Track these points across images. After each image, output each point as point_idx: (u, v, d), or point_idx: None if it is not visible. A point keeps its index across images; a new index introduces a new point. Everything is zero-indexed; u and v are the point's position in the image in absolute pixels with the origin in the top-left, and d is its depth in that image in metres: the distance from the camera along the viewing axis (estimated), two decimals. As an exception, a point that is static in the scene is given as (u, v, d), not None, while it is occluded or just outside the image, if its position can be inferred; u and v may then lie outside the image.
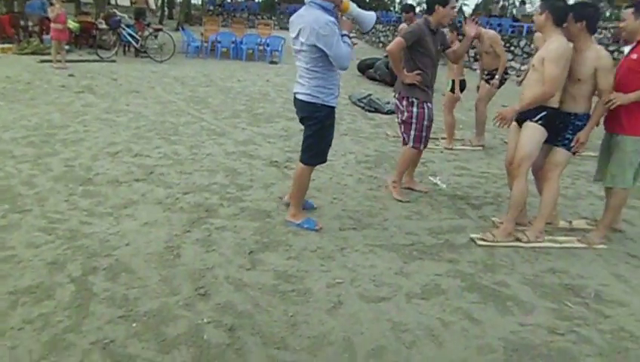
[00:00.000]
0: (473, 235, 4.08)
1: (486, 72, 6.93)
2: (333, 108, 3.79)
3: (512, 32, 18.74)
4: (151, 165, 5.19)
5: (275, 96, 9.72)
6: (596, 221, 4.49)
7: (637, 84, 3.82)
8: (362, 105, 9.07)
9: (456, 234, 4.13)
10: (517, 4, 25.76)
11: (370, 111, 8.85)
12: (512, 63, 17.01)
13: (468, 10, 37.94)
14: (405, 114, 4.67)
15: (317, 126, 3.78)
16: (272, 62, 15.08)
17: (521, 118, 3.98)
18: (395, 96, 4.84)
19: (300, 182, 3.99)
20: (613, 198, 4.15)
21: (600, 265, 3.83)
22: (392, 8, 36.43)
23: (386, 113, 8.71)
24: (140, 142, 5.97)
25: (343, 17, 3.74)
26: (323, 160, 3.99)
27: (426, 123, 4.66)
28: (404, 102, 4.67)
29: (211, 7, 34.23)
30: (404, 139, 4.80)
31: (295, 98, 3.84)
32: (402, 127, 4.77)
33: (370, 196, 4.82)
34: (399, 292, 3.18)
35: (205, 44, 15.81)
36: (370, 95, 9.44)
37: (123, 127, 6.64)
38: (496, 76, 6.66)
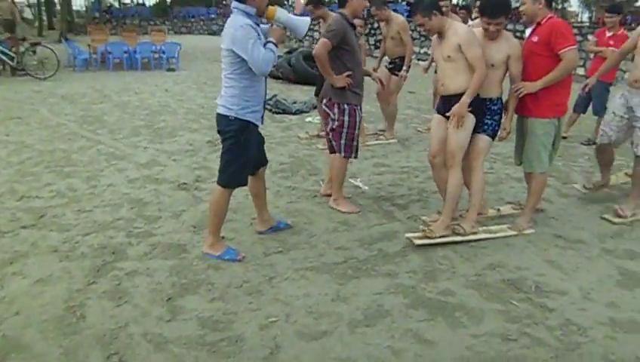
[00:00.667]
0: (410, 235, 3.89)
1: (388, 61, 6.78)
2: (248, 123, 3.42)
3: (408, 16, 19.02)
4: (41, 207, 4.52)
5: (176, 107, 9.12)
6: (521, 205, 4.48)
7: (540, 67, 3.85)
8: (269, 107, 8.71)
9: (388, 241, 3.91)
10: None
11: (277, 113, 8.52)
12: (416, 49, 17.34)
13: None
14: (336, 122, 4.35)
15: (230, 141, 3.43)
16: (169, 70, 14.32)
17: (446, 108, 3.88)
18: (324, 103, 4.49)
19: (216, 207, 3.57)
20: (534, 183, 4.16)
21: (533, 253, 3.80)
22: None
23: (294, 113, 8.42)
24: (26, 180, 5.22)
25: (274, 25, 3.46)
26: (242, 182, 3.59)
27: (356, 131, 4.39)
28: (336, 110, 4.33)
29: (96, 14, 32.06)
30: (332, 147, 4.50)
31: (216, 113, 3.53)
32: (331, 134, 4.44)
33: (292, 210, 4.50)
34: (340, 323, 2.89)
35: (94, 56, 14.72)
36: (275, 95, 9.11)
37: (2, 163, 5.80)
38: (404, 67, 6.54)
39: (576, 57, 3.81)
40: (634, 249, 3.88)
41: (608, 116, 4.64)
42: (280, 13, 3.39)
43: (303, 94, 10.33)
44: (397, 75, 6.65)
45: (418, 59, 15.93)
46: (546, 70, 3.81)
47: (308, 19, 3.51)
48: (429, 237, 3.85)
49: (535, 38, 3.88)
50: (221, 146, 3.52)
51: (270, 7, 3.38)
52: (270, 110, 8.60)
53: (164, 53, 14.89)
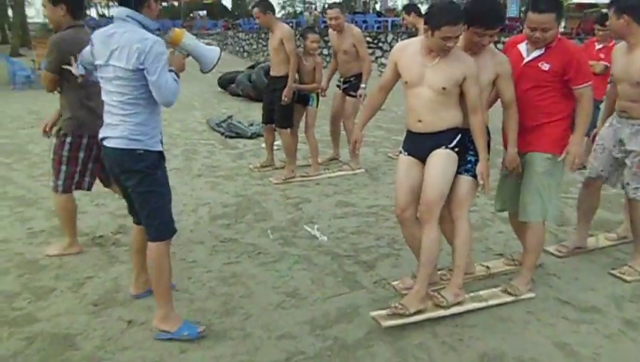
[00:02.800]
0: (374, 313, 2.96)
1: (342, 80, 5.90)
2: (160, 154, 2.78)
3: (378, 27, 18.43)
4: None
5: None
6: (515, 260, 3.62)
7: (549, 103, 3.14)
8: (222, 130, 7.74)
9: (348, 322, 2.97)
10: (379, -2, 25.82)
11: (231, 137, 7.54)
12: (383, 60, 16.62)
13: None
14: None
15: (147, 182, 2.71)
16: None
17: (423, 147, 3.03)
18: None
19: (158, 267, 2.79)
20: (530, 235, 3.30)
21: (537, 331, 2.94)
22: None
23: (250, 137, 7.46)
24: None
25: (175, 52, 2.80)
26: (174, 228, 2.89)
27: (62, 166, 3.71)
28: None
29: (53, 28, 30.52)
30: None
31: (105, 148, 2.75)
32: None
33: (228, 276, 3.52)
34: None
35: (39, 72, 13.52)
36: (230, 117, 8.16)
37: None
38: (362, 85, 5.65)
39: (592, 94, 3.15)
40: (661, 320, 3.02)
41: (597, 147, 3.78)
42: (188, 38, 2.80)
43: (264, 114, 9.39)
44: (353, 96, 5.75)
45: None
46: (558, 107, 3.13)
47: (217, 50, 2.93)
48: (400, 315, 2.92)
49: (545, 66, 3.07)
50: (131, 192, 2.75)
51: (177, 29, 2.82)
52: (223, 134, 7.62)
53: (115, 68, 13.80)
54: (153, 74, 2.55)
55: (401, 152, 3.18)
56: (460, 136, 3.00)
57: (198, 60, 2.84)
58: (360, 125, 3.35)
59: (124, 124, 2.66)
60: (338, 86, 5.96)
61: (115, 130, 2.67)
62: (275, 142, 5.99)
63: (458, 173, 3.05)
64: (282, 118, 5.42)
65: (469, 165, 3.06)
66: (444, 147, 2.97)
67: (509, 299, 3.22)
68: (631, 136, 3.50)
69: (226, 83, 11.94)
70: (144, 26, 2.65)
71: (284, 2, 46.99)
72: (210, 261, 3.73)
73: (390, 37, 16.19)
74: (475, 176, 3.05)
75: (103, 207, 4.83)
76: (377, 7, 23.64)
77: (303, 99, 5.54)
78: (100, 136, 2.77)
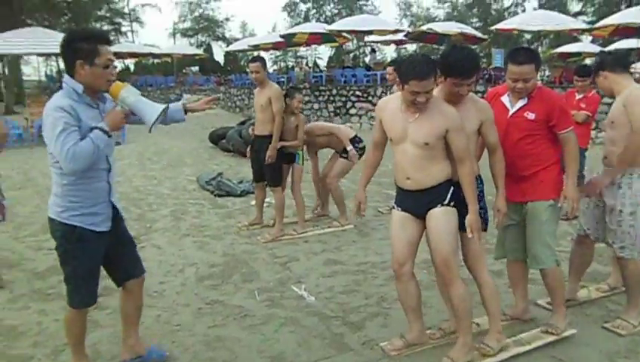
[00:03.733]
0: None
1: None
2: (75, 228, 2.67)
3: (367, 81, 18.76)
4: None
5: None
6: (505, 313, 3.58)
7: (537, 151, 3.18)
8: (211, 188, 7.73)
9: (335, 388, 2.87)
10: (367, 52, 26.39)
11: (220, 195, 7.51)
12: (373, 114, 16.85)
13: (322, 62, 38.59)
14: None
15: (60, 251, 2.75)
16: (115, 144, 13.24)
17: (417, 204, 2.99)
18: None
19: (66, 330, 2.91)
20: (550, 280, 3.34)
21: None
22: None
23: (240, 195, 7.44)
24: None
25: (117, 106, 2.74)
26: (86, 301, 2.85)
27: None
28: None
29: (50, 85, 30.81)
30: None
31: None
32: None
33: (212, 339, 3.42)
34: None
35: (32, 130, 13.62)
36: (220, 174, 8.16)
37: None
38: (349, 147, 5.69)
39: (576, 139, 3.22)
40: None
41: (582, 202, 3.69)
42: (127, 92, 2.68)
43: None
44: (344, 157, 5.79)
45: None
46: (549, 152, 3.19)
47: (160, 107, 2.77)
48: None
49: (531, 115, 3.14)
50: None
51: (117, 82, 2.70)
52: (212, 193, 7.60)
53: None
54: (49, 141, 2.52)
55: (394, 207, 3.14)
56: (452, 189, 2.95)
57: (138, 114, 2.72)
58: (362, 185, 3.35)
59: (52, 196, 2.72)
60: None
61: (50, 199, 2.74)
62: (265, 200, 5.98)
63: (463, 230, 2.98)
64: (273, 177, 5.44)
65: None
66: (439, 205, 2.92)
67: (552, 338, 3.28)
68: (609, 187, 3.45)
69: (217, 138, 12.01)
70: (72, 91, 2.61)
71: (275, 57, 48.01)
72: (195, 324, 3.63)
73: (380, 90, 16.48)
74: (484, 230, 3.07)
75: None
76: (367, 60, 24.14)
77: (288, 157, 5.56)
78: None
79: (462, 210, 2.95)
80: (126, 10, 42.95)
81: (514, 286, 3.59)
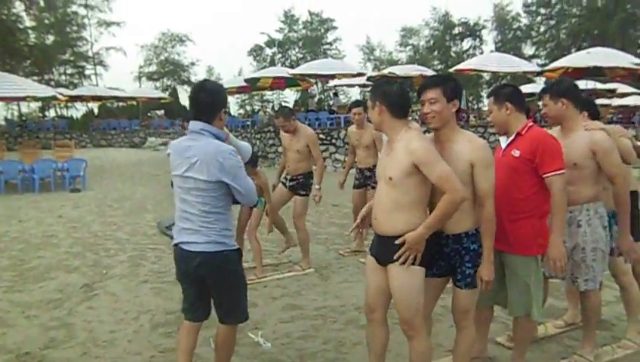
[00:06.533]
0: None
1: (289, 177, 5.82)
2: (238, 250, 3.06)
3: (331, 124, 19.02)
4: None
5: (64, 237, 7.79)
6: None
7: (523, 188, 3.06)
8: (171, 234, 7.53)
9: None
10: (332, 95, 26.81)
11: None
12: (336, 155, 17.06)
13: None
14: None
15: (234, 276, 3.03)
16: (73, 191, 12.96)
17: (381, 253, 2.84)
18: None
19: (228, 348, 3.18)
20: (519, 329, 3.33)
21: None
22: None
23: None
24: None
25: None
26: (247, 311, 3.22)
27: None
28: None
29: (9, 129, 29.85)
30: None
31: (184, 251, 2.93)
32: None
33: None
34: None
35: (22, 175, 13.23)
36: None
37: None
38: (316, 186, 5.71)
39: (564, 184, 3.05)
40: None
41: None
42: (231, 136, 3.19)
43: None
44: (303, 195, 5.79)
45: (343, 167, 15.52)
46: (531, 193, 3.06)
47: (249, 146, 3.37)
48: None
49: (516, 153, 3.09)
50: (213, 286, 3.01)
51: (225, 129, 3.13)
52: (172, 238, 7.42)
53: (67, 171, 13.61)
54: (238, 182, 2.87)
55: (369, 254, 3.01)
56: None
57: (240, 153, 3.05)
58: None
59: (207, 230, 2.87)
60: (283, 183, 5.90)
61: (198, 236, 2.88)
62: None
63: (456, 286, 2.90)
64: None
65: (468, 279, 2.85)
66: (399, 263, 2.71)
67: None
68: (566, 226, 3.36)
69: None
70: (217, 137, 2.92)
71: (242, 101, 48.37)
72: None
73: (343, 133, 16.71)
74: (475, 286, 2.87)
75: (35, 319, 4.53)
76: (331, 103, 24.53)
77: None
78: (178, 240, 2.97)
79: (458, 265, 2.85)
80: (90, 54, 42.80)
81: (477, 326, 3.45)
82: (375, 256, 2.90)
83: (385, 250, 2.79)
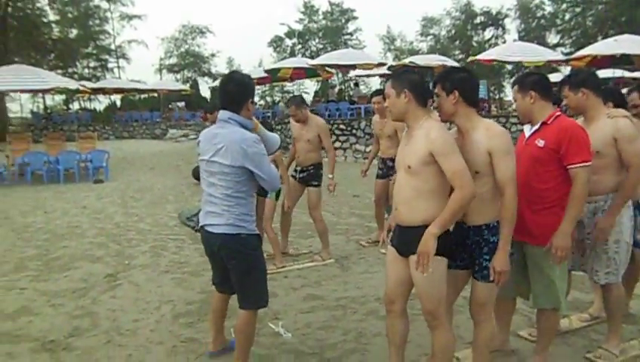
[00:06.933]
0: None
1: (299, 169, 5.83)
2: (257, 236, 3.24)
3: (352, 114, 18.94)
4: None
5: (87, 228, 7.91)
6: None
7: (545, 179, 3.00)
8: (192, 224, 7.63)
9: None
10: (352, 86, 26.71)
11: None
12: (357, 146, 16.99)
13: (308, 97, 38.93)
14: None
15: (251, 259, 3.15)
16: (96, 182, 13.15)
17: (402, 244, 2.83)
18: None
19: (247, 334, 3.25)
20: (543, 320, 3.25)
21: None
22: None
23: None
24: None
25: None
26: (267, 298, 3.32)
27: None
28: None
29: (35, 122, 30.56)
30: None
31: (208, 232, 3.16)
32: None
33: (183, 381, 3.33)
34: None
35: (12, 168, 13.50)
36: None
37: None
38: (330, 175, 5.70)
39: (588, 177, 2.96)
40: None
41: None
42: (260, 127, 3.32)
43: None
44: (315, 186, 5.76)
45: (364, 158, 15.44)
46: (554, 183, 3.00)
47: (278, 137, 3.49)
48: None
49: (540, 143, 3.01)
50: (232, 269, 3.18)
51: (255, 120, 3.29)
52: (194, 228, 7.51)
53: (91, 162, 13.81)
54: (261, 169, 3.03)
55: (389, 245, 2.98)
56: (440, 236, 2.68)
57: (266, 144, 3.22)
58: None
59: (228, 213, 3.04)
60: (293, 176, 5.86)
61: (219, 218, 3.06)
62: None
63: (474, 278, 2.89)
64: None
65: (485, 271, 2.80)
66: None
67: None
68: (590, 216, 3.36)
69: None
70: (243, 126, 3.09)
71: (262, 92, 48.43)
72: (166, 363, 3.53)
73: (363, 123, 16.62)
74: (493, 280, 2.80)
75: (60, 307, 4.61)
76: (351, 93, 24.41)
77: (262, 189, 5.48)
78: (202, 222, 3.18)
79: (477, 257, 2.84)
80: (112, 47, 43.24)
81: (498, 318, 3.44)
82: (396, 246, 2.88)
83: (406, 240, 2.77)
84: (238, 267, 3.14)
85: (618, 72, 16.89)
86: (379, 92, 6.28)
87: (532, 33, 39.30)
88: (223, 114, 3.11)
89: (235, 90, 3.13)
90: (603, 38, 23.36)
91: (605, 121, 3.28)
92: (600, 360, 3.43)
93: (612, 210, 3.26)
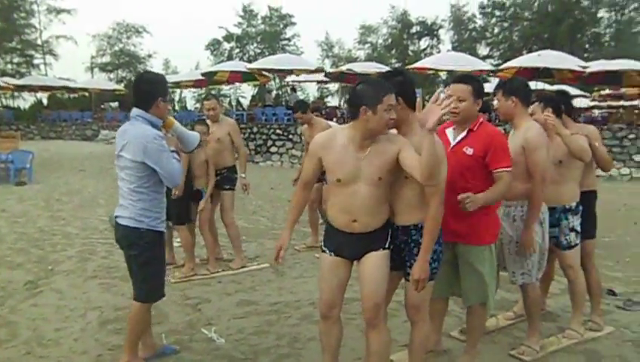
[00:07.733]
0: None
1: (216, 171, 5.61)
2: (161, 233, 3.36)
3: (288, 120, 18.92)
4: None
5: (6, 233, 7.43)
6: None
7: (473, 185, 3.07)
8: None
9: None
10: (289, 91, 26.66)
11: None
12: (293, 151, 17.03)
13: (245, 101, 38.55)
14: None
15: (147, 254, 3.28)
16: (18, 184, 12.42)
17: (355, 247, 2.85)
18: None
19: (135, 322, 3.34)
20: (473, 317, 3.36)
21: None
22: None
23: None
24: None
25: (168, 134, 3.46)
26: (162, 294, 3.44)
27: None
28: None
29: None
30: None
31: (117, 223, 3.32)
32: None
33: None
34: None
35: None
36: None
37: None
38: (242, 175, 5.68)
39: (510, 180, 3.13)
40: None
41: None
42: (176, 124, 3.44)
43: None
44: (227, 190, 5.63)
45: (300, 163, 15.51)
46: (481, 187, 3.09)
47: (197, 135, 3.60)
48: None
49: (469, 151, 3.11)
50: (132, 261, 3.31)
51: (170, 118, 3.41)
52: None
53: (12, 163, 13.03)
54: (159, 165, 3.14)
55: (323, 250, 2.96)
56: (389, 231, 2.85)
57: (182, 142, 3.46)
58: (288, 229, 3.03)
59: (132, 207, 3.20)
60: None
61: (124, 210, 3.24)
62: (176, 239, 5.77)
63: (407, 280, 2.90)
64: (177, 215, 5.22)
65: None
66: (381, 249, 2.80)
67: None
68: (504, 218, 3.53)
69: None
70: (151, 123, 3.22)
71: (198, 95, 47.50)
72: (92, 374, 3.38)
73: (300, 129, 16.66)
74: (431, 279, 2.86)
75: None
76: (288, 98, 24.37)
77: (196, 193, 5.41)
78: (115, 213, 3.32)
79: (401, 254, 2.90)
80: (39, 42, 41.15)
81: (431, 319, 3.42)
82: (345, 254, 2.87)
83: (364, 243, 2.81)
84: (135, 259, 3.29)
85: (540, 85, 17.82)
86: (301, 104, 6.40)
87: (464, 44, 40.83)
88: (133, 111, 3.27)
89: (145, 89, 3.28)
90: (528, 52, 24.64)
91: (521, 131, 3.45)
92: (523, 356, 3.60)
93: (527, 224, 3.43)
